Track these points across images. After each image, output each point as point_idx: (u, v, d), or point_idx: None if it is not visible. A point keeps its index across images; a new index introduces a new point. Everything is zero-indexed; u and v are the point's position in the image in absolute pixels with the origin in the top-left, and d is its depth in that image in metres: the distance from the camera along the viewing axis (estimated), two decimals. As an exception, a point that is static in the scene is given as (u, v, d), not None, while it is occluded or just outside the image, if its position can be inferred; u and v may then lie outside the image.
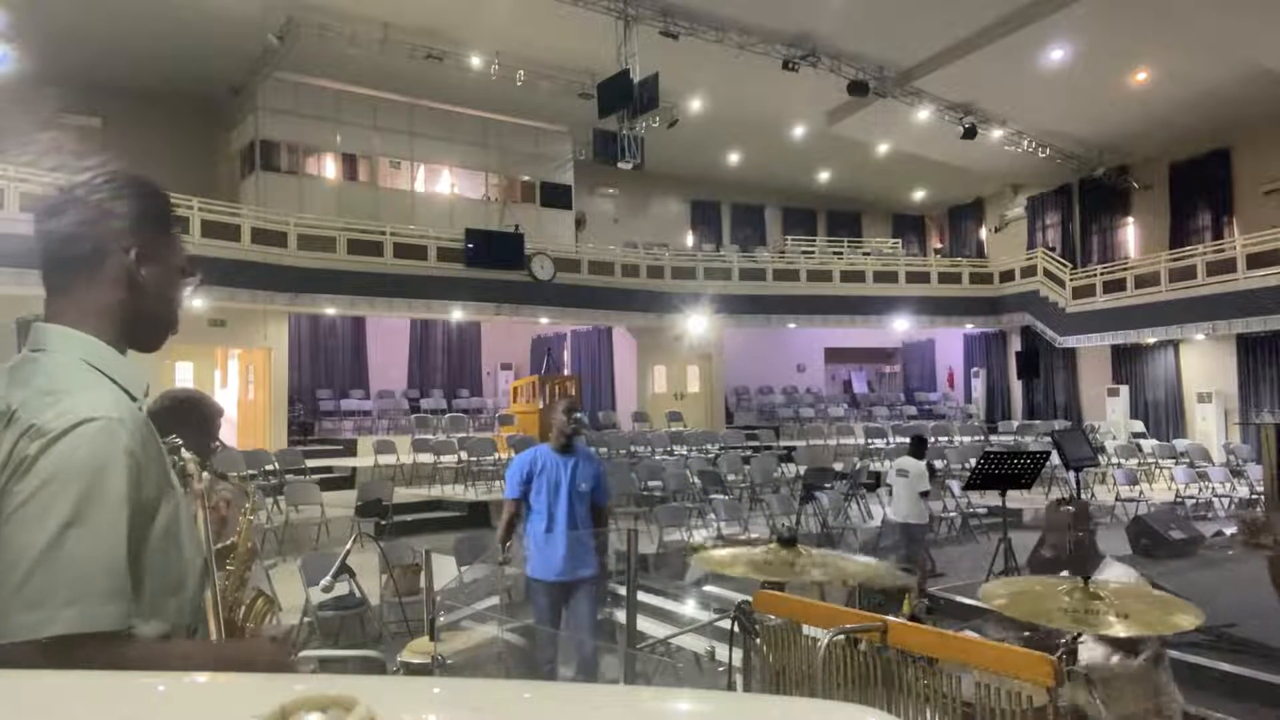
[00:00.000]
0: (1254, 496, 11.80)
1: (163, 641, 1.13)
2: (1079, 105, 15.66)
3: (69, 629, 1.00)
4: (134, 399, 1.19)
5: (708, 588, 3.96)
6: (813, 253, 20.39)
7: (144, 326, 1.25)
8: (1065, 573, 2.51)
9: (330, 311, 15.71)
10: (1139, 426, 16.98)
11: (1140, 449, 15.02)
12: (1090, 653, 2.86)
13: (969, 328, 20.55)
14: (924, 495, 7.94)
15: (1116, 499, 12.00)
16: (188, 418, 2.27)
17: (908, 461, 8.03)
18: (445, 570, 5.69)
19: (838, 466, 12.22)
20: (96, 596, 1.02)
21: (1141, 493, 12.32)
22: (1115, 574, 2.86)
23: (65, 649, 1.00)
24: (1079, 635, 2.55)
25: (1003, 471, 7.55)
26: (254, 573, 2.31)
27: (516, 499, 4.37)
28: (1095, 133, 17.25)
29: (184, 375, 14.22)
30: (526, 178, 18.77)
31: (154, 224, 1.25)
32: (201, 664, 1.14)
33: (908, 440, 8.90)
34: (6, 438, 1.07)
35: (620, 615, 3.67)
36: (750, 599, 2.20)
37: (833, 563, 2.53)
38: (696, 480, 11.31)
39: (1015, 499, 8.72)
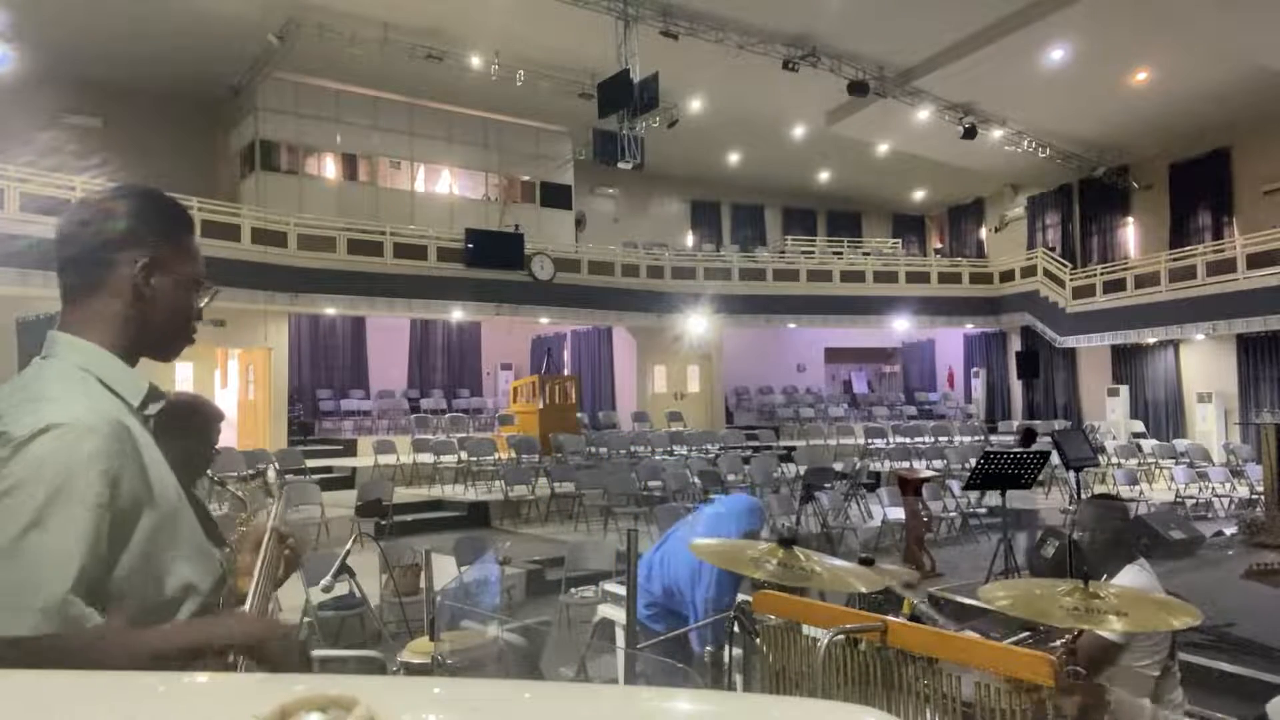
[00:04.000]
0: (1254, 496, 11.77)
1: (126, 631, 1.09)
2: (1079, 105, 15.65)
3: (11, 632, 1.00)
4: (132, 407, 1.20)
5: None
6: (813, 253, 20.38)
7: (154, 336, 1.26)
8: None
9: (330, 311, 15.71)
10: (1139, 426, 16.97)
11: (1140, 449, 14.99)
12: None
13: (969, 328, 20.55)
14: None
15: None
16: (188, 424, 2.22)
17: None
18: (445, 570, 5.69)
19: (838, 466, 12.22)
20: (45, 601, 1.02)
21: (1141, 493, 12.31)
22: (1130, 578, 2.84)
23: (16, 648, 1.00)
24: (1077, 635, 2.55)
25: (1003, 471, 7.55)
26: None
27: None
28: (1095, 133, 17.24)
29: (184, 375, 14.19)
30: (526, 178, 18.78)
31: (163, 235, 1.26)
32: (174, 640, 1.09)
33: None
34: None
35: (620, 615, 3.67)
36: (750, 599, 2.20)
37: (831, 571, 2.52)
38: (697, 480, 11.30)
39: (1015, 499, 8.71)
